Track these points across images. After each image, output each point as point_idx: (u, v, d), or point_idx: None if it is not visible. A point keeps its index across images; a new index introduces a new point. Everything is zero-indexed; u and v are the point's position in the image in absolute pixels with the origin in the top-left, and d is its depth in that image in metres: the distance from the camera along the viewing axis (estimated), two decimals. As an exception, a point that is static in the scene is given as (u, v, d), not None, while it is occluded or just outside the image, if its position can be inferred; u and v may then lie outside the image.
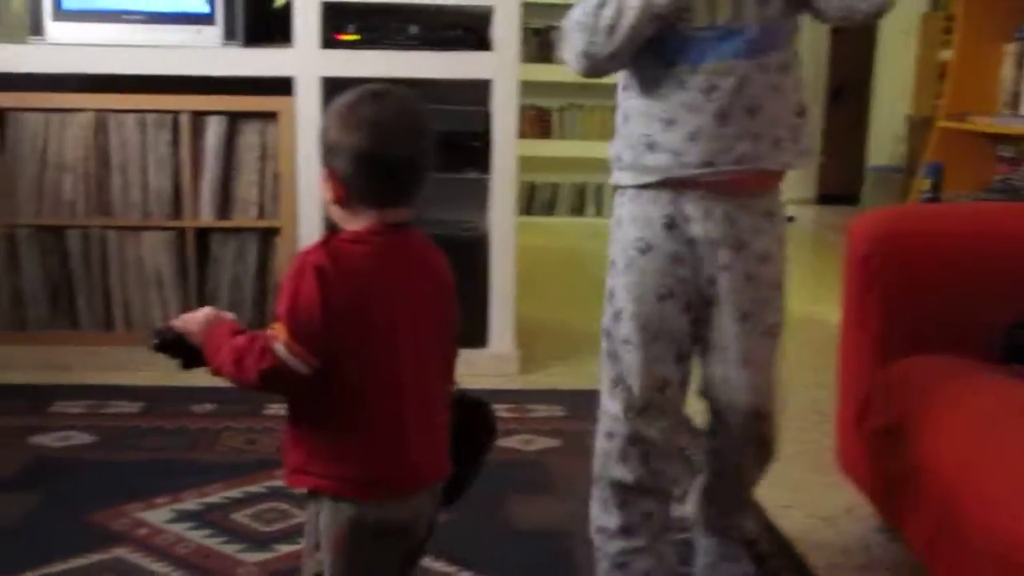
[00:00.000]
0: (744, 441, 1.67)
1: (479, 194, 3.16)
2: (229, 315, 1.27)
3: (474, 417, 1.38)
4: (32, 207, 3.03)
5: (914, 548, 1.72)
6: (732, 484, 1.76)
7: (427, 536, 1.33)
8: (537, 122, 6.23)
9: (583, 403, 2.88)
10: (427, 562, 1.88)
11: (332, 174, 1.21)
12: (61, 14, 2.96)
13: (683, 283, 1.59)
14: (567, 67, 1.58)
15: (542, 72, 5.92)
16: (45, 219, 3.04)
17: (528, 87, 3.09)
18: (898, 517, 1.78)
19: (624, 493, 1.67)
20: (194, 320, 1.25)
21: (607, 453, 1.68)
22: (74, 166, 3.02)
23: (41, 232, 3.05)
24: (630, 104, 1.59)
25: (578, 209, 6.48)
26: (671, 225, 1.56)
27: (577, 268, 5.39)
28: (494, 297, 3.14)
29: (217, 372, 1.22)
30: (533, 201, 6.35)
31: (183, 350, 1.24)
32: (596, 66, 1.53)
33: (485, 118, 3.07)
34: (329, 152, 1.21)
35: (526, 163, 3.15)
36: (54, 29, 2.96)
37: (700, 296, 1.61)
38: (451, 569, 1.89)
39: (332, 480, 1.23)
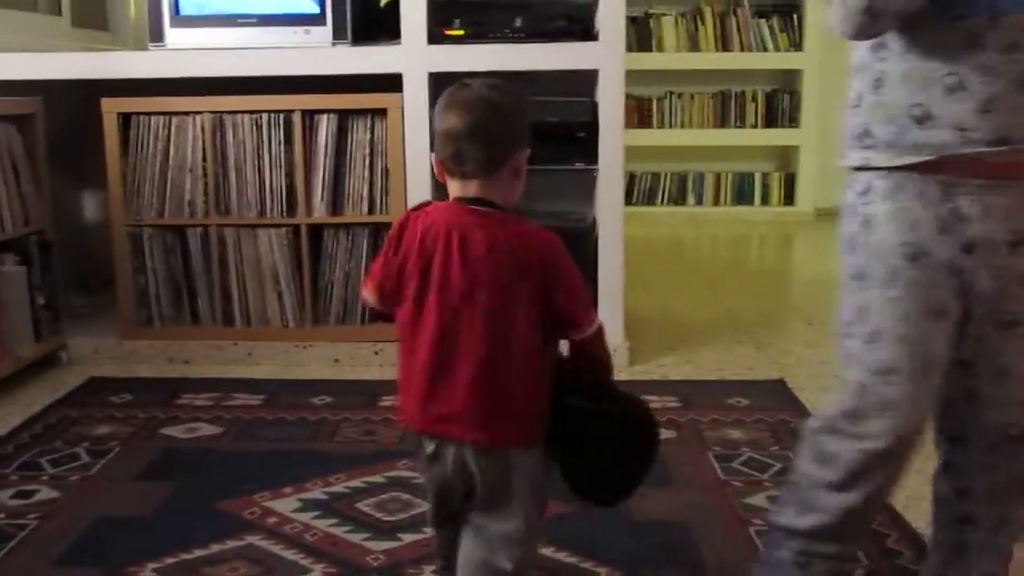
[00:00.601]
0: (998, 472, 1.38)
1: (586, 185, 3.16)
2: None
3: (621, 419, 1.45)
4: (155, 207, 3.16)
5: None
6: (990, 538, 1.46)
7: (470, 493, 1.39)
8: (636, 111, 6.19)
9: (696, 393, 2.86)
10: (549, 552, 1.90)
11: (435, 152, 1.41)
12: (179, 20, 3.08)
13: (957, 298, 1.33)
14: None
15: (641, 60, 5.88)
16: (167, 219, 3.16)
17: (627, 76, 3.06)
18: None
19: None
20: None
21: (817, 483, 1.43)
22: (193, 167, 3.13)
23: (163, 231, 3.17)
24: (888, 67, 1.32)
25: (679, 199, 6.42)
26: (945, 228, 1.31)
27: (680, 258, 5.35)
28: (602, 288, 3.12)
29: None
30: (633, 190, 6.32)
31: None
32: (878, 24, 1.26)
33: (591, 109, 3.06)
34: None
35: (626, 152, 3.13)
36: (172, 35, 3.08)
37: (965, 311, 1.35)
38: (573, 559, 1.89)
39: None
